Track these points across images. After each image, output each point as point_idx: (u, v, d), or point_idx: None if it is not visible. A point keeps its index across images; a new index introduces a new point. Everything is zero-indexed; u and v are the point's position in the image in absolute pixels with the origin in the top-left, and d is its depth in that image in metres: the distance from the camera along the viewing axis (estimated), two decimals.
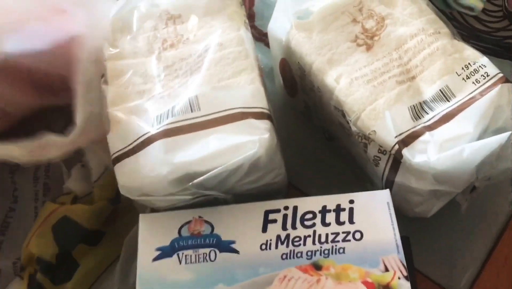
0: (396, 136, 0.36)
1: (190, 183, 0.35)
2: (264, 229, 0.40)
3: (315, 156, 0.51)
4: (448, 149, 0.36)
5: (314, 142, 0.50)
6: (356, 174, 0.48)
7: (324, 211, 0.40)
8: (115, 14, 0.44)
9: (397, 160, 0.37)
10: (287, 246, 0.39)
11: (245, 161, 0.35)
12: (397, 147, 0.36)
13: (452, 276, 0.46)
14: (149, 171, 0.35)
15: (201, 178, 0.35)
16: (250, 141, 0.35)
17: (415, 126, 0.38)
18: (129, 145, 0.37)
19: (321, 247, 0.39)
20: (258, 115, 0.36)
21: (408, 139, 0.36)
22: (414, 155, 0.36)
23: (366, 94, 0.38)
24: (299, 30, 0.41)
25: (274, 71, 0.51)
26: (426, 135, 0.36)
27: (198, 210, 0.41)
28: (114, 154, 0.37)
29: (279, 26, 0.43)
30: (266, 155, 0.36)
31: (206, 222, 0.40)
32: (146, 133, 0.36)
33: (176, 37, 0.41)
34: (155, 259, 0.39)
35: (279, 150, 0.39)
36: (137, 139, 0.36)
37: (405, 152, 0.36)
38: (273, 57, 0.49)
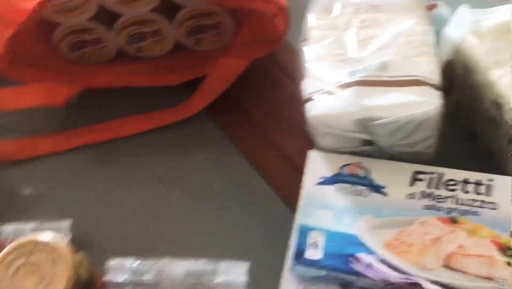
0: None
1: (371, 123, 0.44)
2: (411, 184, 0.48)
3: (453, 152, 0.56)
4: None
5: (456, 140, 0.57)
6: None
7: (465, 182, 0.47)
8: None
9: None
10: (430, 200, 0.47)
11: (417, 116, 0.44)
12: None
13: None
14: (340, 108, 0.45)
15: (380, 121, 0.44)
16: (425, 102, 0.44)
17: None
18: (324, 89, 0.47)
19: (459, 207, 0.46)
20: (434, 86, 0.45)
21: None
22: None
23: None
24: (474, 36, 0.50)
25: None
26: None
27: (358, 158, 0.50)
28: (308, 94, 0.48)
29: (455, 31, 0.52)
30: (434, 118, 0.44)
31: (363, 167, 0.49)
32: (341, 81, 0.47)
33: (372, 21, 0.51)
34: (318, 184, 0.49)
35: (440, 123, 0.47)
36: (333, 85, 0.47)
37: None
38: None
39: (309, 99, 0.48)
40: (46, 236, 0.42)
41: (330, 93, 0.46)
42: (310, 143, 0.52)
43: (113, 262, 0.44)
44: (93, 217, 0.55)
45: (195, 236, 0.54)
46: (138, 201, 0.57)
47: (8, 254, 0.41)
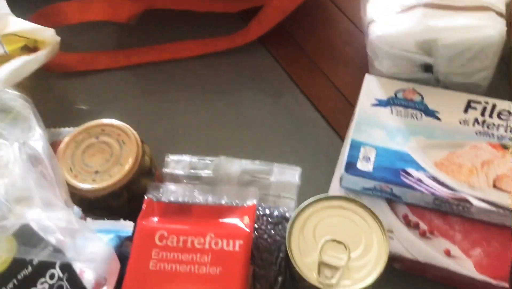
0: None
1: (435, 44, 0.45)
2: (465, 111, 0.49)
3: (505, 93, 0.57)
4: None
5: (506, 86, 0.58)
6: None
7: None
8: None
9: None
10: (482, 126, 0.48)
11: (481, 39, 0.45)
12: None
13: None
14: (404, 28, 0.46)
15: (444, 41, 0.45)
16: (490, 26, 0.45)
17: None
18: (388, 10, 0.48)
19: (510, 135, 0.47)
20: (499, 14, 0.46)
21: None
22: None
23: None
24: None
25: None
26: None
27: (413, 84, 0.51)
28: (372, 16, 0.49)
29: None
30: (496, 44, 0.45)
31: (418, 93, 0.50)
32: (406, 3, 0.47)
33: None
34: (373, 105, 0.50)
35: (499, 54, 0.48)
36: (398, 6, 0.48)
37: None
38: None
39: (372, 21, 0.49)
40: (114, 121, 0.44)
41: (397, 12, 0.48)
42: (361, 77, 0.53)
43: (173, 157, 0.47)
44: (150, 126, 0.57)
45: (249, 154, 0.56)
46: (192, 114, 0.60)
47: (79, 133, 0.44)
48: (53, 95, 0.63)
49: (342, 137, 0.55)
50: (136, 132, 0.45)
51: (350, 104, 0.58)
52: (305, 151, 0.56)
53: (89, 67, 0.64)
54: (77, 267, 0.34)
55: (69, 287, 0.32)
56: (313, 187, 0.49)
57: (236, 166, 0.45)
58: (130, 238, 0.39)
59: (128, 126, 0.44)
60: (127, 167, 0.42)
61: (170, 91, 0.63)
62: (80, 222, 0.34)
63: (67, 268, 0.33)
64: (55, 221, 0.32)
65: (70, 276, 0.32)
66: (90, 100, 0.63)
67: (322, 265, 0.37)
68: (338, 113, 0.59)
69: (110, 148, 0.43)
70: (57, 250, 0.33)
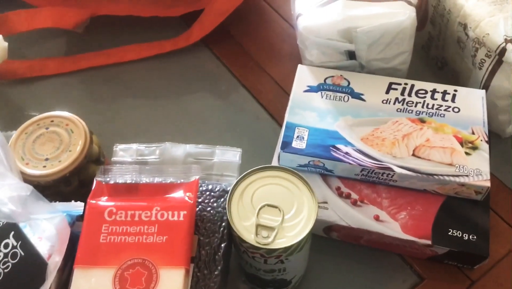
0: (504, 36, 0.50)
1: (354, 31, 0.50)
2: (387, 92, 0.54)
3: (425, 79, 0.61)
4: None
5: (427, 69, 0.64)
6: None
7: (434, 91, 0.54)
8: None
9: (499, 61, 0.51)
10: (402, 104, 0.53)
11: (393, 24, 0.50)
12: (503, 45, 0.50)
13: None
14: (327, 18, 0.51)
15: (361, 28, 0.50)
16: (401, 13, 0.50)
17: None
18: (313, 5, 0.53)
19: (427, 110, 0.52)
20: (409, 3, 0.52)
21: None
22: None
23: (487, 10, 0.52)
24: None
25: None
26: None
27: (340, 71, 0.56)
28: (300, 10, 0.54)
29: None
30: (408, 29, 0.51)
31: (345, 79, 0.55)
32: None
33: None
34: (305, 91, 0.55)
35: (413, 39, 0.53)
36: (321, 0, 0.53)
37: (509, 46, 0.49)
38: None
39: (300, 15, 0.54)
40: (63, 113, 0.47)
41: (320, 6, 0.53)
42: (296, 69, 0.58)
43: (121, 146, 0.50)
44: (100, 124, 0.60)
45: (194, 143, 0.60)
46: (139, 111, 0.63)
47: (29, 125, 0.46)
48: (3, 102, 0.66)
49: (281, 125, 0.60)
50: (84, 122, 0.47)
51: (287, 95, 0.63)
52: (247, 139, 0.61)
53: (38, 73, 0.66)
54: (30, 234, 0.36)
55: (23, 254, 0.34)
56: (255, 162, 0.52)
57: (180, 150, 0.49)
58: (80, 217, 0.42)
59: (76, 116, 0.47)
60: (75, 153, 0.45)
61: (118, 93, 0.66)
62: (30, 188, 0.36)
63: (20, 236, 0.35)
64: (6, 190, 0.34)
65: (24, 244, 0.35)
66: (39, 106, 0.65)
67: (259, 227, 0.40)
68: (277, 103, 0.63)
69: (59, 136, 0.45)
70: (10, 220, 0.35)
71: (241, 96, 0.65)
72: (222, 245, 0.42)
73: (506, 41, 0.50)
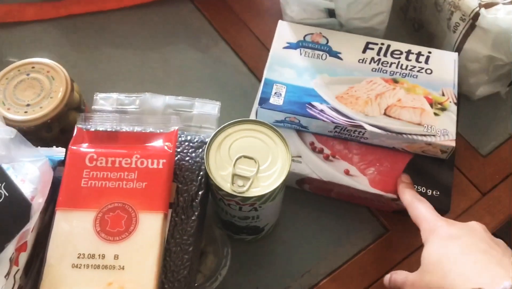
0: (478, 1, 0.51)
1: None
2: (364, 51, 0.56)
3: (402, 40, 0.63)
4: None
5: (405, 31, 0.66)
6: None
7: (408, 52, 0.56)
8: None
9: (472, 25, 0.53)
10: (377, 64, 0.55)
11: None
12: (477, 9, 0.51)
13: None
14: None
15: None
16: None
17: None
18: None
19: (401, 71, 0.54)
20: None
21: (486, 5, 0.51)
22: (487, 13, 0.51)
23: None
24: None
25: None
26: (500, 5, 0.51)
27: (320, 29, 0.57)
28: None
29: None
30: None
31: (324, 37, 0.57)
32: None
33: None
34: (285, 48, 0.56)
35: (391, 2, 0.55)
36: None
37: (482, 10, 0.51)
38: None
39: None
40: (44, 60, 0.48)
41: None
42: (277, 25, 0.59)
43: (101, 94, 0.51)
44: (80, 72, 0.60)
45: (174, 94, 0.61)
46: (121, 60, 0.64)
47: (10, 70, 0.47)
48: None
49: (260, 79, 0.61)
50: (65, 70, 0.48)
51: (267, 50, 0.63)
52: (226, 92, 0.62)
53: (16, 19, 0.66)
54: (13, 176, 0.37)
55: (7, 194, 0.35)
56: (233, 116, 0.54)
57: (160, 101, 0.50)
58: (62, 162, 0.43)
59: (57, 63, 0.48)
60: (56, 100, 0.45)
61: (100, 42, 0.66)
62: (14, 131, 0.37)
63: (4, 177, 0.36)
64: None
65: (8, 184, 0.36)
66: (19, 52, 0.65)
67: (235, 176, 0.42)
68: (257, 58, 0.64)
69: (40, 83, 0.46)
70: None
71: (222, 50, 0.65)
72: (200, 193, 0.44)
73: (480, 5, 0.52)
